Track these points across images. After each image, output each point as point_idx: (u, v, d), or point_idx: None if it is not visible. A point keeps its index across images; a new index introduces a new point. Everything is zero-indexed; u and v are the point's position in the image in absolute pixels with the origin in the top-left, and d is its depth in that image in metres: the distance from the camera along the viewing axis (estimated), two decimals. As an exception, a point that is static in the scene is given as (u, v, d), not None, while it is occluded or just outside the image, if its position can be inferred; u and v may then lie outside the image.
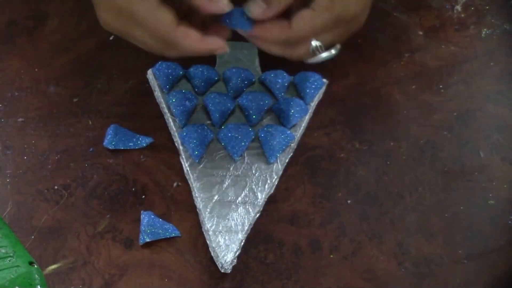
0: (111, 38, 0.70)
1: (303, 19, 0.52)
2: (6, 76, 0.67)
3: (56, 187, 0.58)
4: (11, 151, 0.61)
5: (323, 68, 0.69)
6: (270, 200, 0.58)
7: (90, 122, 0.63)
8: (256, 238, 0.56)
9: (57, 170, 0.60)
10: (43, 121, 0.63)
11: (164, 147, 0.61)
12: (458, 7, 0.75)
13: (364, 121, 0.65)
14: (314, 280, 0.54)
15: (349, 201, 0.59)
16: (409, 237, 0.57)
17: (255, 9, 0.53)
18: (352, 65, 0.70)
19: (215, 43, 0.53)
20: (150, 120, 0.63)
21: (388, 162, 0.62)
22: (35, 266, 0.48)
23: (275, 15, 0.53)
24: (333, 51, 0.54)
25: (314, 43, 0.53)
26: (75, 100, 0.65)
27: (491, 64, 0.70)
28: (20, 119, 0.63)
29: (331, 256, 0.55)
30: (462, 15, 0.75)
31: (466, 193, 0.60)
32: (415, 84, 0.68)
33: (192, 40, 0.52)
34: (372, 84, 0.68)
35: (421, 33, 0.74)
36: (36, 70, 0.68)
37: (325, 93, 0.66)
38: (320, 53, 0.54)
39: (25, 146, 0.61)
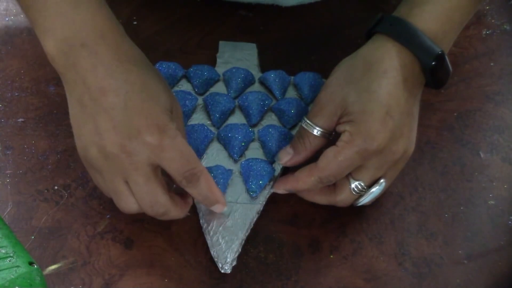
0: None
1: (327, 158, 0.52)
2: (6, 76, 0.67)
3: (56, 187, 0.58)
4: (11, 151, 0.61)
5: (323, 68, 0.69)
6: (270, 200, 0.58)
7: (90, 122, 0.63)
8: (256, 238, 0.56)
9: (57, 170, 0.60)
10: (43, 121, 0.63)
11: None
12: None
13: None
14: (314, 280, 0.54)
15: (349, 201, 0.59)
16: (409, 237, 0.57)
17: (284, 156, 0.55)
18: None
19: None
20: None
21: (388, 162, 0.62)
22: (35, 266, 0.48)
23: (303, 160, 0.55)
24: (376, 188, 0.54)
25: (353, 183, 0.53)
26: (75, 100, 0.65)
27: (491, 64, 0.70)
28: (20, 119, 0.63)
29: (331, 256, 0.55)
30: (462, 15, 0.75)
31: (466, 193, 0.60)
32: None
33: (181, 209, 0.52)
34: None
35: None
36: (36, 70, 0.68)
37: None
38: (364, 192, 0.54)
39: (25, 146, 0.61)
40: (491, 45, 0.72)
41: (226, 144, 0.60)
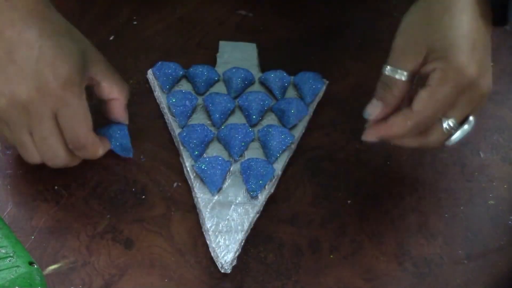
0: (111, 38, 0.70)
1: (422, 99, 0.51)
2: (6, 76, 0.67)
3: (56, 187, 0.58)
4: (11, 151, 0.61)
5: (323, 68, 0.69)
6: (270, 200, 0.58)
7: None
8: (256, 238, 0.56)
9: (57, 170, 0.59)
10: (43, 121, 0.63)
11: (164, 147, 0.61)
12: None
13: (364, 121, 0.65)
14: (314, 280, 0.54)
15: (349, 201, 0.59)
16: (409, 237, 0.57)
17: (374, 110, 0.54)
18: (352, 65, 0.70)
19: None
20: (150, 120, 0.63)
21: (388, 162, 0.62)
22: (35, 266, 0.48)
23: (394, 109, 0.53)
24: (466, 126, 0.53)
25: (445, 122, 0.52)
26: (75, 100, 0.65)
27: (491, 64, 0.70)
28: (20, 119, 0.63)
29: (331, 256, 0.55)
30: (462, 15, 0.75)
31: (466, 193, 0.60)
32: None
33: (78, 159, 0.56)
34: (372, 84, 0.68)
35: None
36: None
37: (325, 93, 0.66)
38: (455, 131, 0.53)
39: (25, 146, 0.61)
40: (491, 45, 0.72)
41: (226, 144, 0.60)
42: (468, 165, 0.62)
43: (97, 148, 0.55)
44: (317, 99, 0.66)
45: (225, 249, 0.53)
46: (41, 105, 0.50)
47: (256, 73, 0.67)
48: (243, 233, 0.55)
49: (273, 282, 0.53)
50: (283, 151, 0.60)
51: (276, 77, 0.65)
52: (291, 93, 0.66)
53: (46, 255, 0.54)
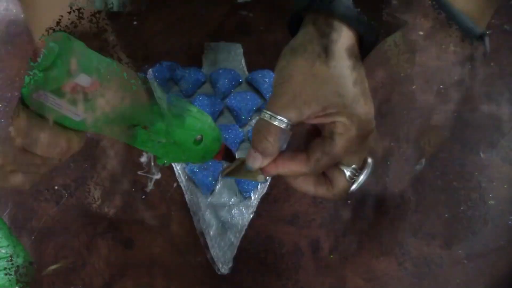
0: (111, 38, 0.70)
1: (320, 151, 0.48)
2: (6, 76, 0.67)
3: (56, 187, 0.58)
4: (11, 151, 0.61)
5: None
6: (270, 201, 0.58)
7: (90, 122, 0.63)
8: (256, 238, 0.56)
9: (57, 170, 0.60)
10: (43, 121, 0.63)
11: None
12: (458, 7, 0.75)
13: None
14: (314, 280, 0.54)
15: (349, 201, 0.59)
16: (409, 237, 0.57)
17: (254, 163, 0.50)
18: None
19: None
20: (150, 120, 0.63)
21: (388, 162, 0.62)
22: (35, 266, 0.48)
23: (273, 157, 0.49)
24: (369, 169, 0.50)
25: (347, 169, 0.50)
26: (75, 100, 0.65)
27: (491, 64, 0.70)
28: (20, 119, 0.63)
29: (331, 256, 0.55)
30: (462, 15, 0.75)
31: (466, 193, 0.60)
32: (415, 84, 0.68)
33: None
34: (372, 84, 0.68)
35: (421, 33, 0.74)
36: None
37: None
38: (357, 176, 0.50)
39: (25, 146, 0.61)
40: (491, 45, 0.72)
41: None
42: (468, 165, 0.62)
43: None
44: None
45: (222, 251, 0.53)
46: None
47: (243, 73, 0.67)
48: (238, 234, 0.55)
49: (273, 282, 0.53)
50: None
51: (263, 76, 0.65)
52: None
53: (46, 255, 0.54)
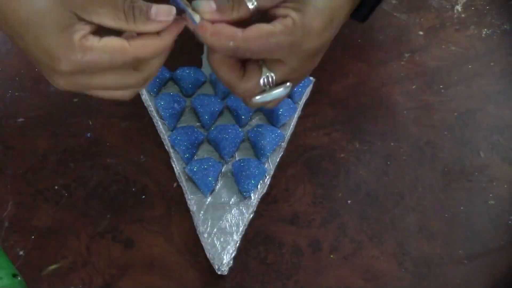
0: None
1: (258, 31, 0.46)
2: (6, 76, 0.67)
3: (56, 187, 0.58)
4: (11, 151, 0.61)
5: (323, 68, 0.69)
6: (270, 200, 0.58)
7: (90, 122, 0.63)
8: (256, 238, 0.56)
9: (57, 170, 0.60)
10: (43, 121, 0.63)
11: (164, 148, 0.61)
12: (459, 7, 0.76)
13: (364, 121, 0.65)
14: (314, 280, 0.54)
15: (349, 201, 0.59)
16: (409, 237, 0.57)
17: (204, 6, 0.48)
18: (352, 65, 0.70)
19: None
20: (150, 120, 0.63)
21: (388, 162, 0.62)
22: (19, 278, 0.48)
23: (219, 21, 0.47)
24: (282, 89, 0.48)
25: (266, 72, 0.48)
26: (75, 100, 0.65)
27: (491, 64, 0.70)
28: (20, 119, 0.63)
29: (331, 256, 0.55)
30: (462, 15, 0.75)
31: (466, 193, 0.60)
32: (415, 84, 0.68)
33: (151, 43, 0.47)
34: (372, 84, 0.68)
35: (421, 33, 0.74)
36: (36, 70, 0.68)
37: (325, 93, 0.67)
38: (269, 89, 0.48)
39: (25, 146, 0.61)
40: (491, 45, 0.72)
41: (216, 145, 0.60)
42: (468, 165, 0.62)
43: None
44: (305, 97, 0.66)
45: (221, 251, 0.53)
46: None
47: None
48: (238, 234, 0.55)
49: (273, 282, 0.53)
50: (274, 150, 0.60)
51: None
52: None
53: (46, 255, 0.54)
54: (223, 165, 0.59)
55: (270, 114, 0.63)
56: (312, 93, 0.67)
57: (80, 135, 0.62)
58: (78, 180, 0.59)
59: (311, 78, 0.67)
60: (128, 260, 0.54)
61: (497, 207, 0.59)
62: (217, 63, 0.49)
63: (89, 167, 0.60)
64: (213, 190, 0.57)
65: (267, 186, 0.59)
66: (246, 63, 0.49)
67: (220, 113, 0.63)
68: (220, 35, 0.47)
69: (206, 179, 0.57)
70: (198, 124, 0.62)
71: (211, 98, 0.63)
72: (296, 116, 0.64)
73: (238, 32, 0.46)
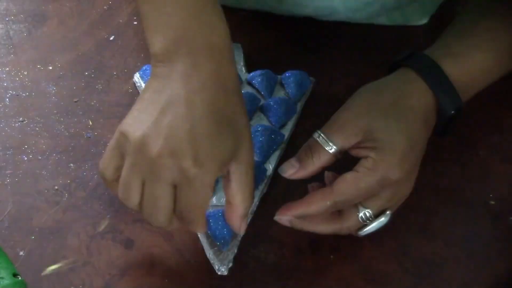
0: (111, 38, 0.70)
1: (346, 182, 0.50)
2: (6, 76, 0.67)
3: (56, 187, 0.58)
4: (11, 151, 0.61)
5: (323, 68, 0.69)
6: (270, 200, 0.58)
7: (90, 122, 0.63)
8: (256, 238, 0.56)
9: (57, 170, 0.60)
10: (43, 121, 0.63)
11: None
12: (459, 7, 0.75)
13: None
14: (314, 280, 0.54)
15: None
16: (409, 237, 0.57)
17: (289, 169, 0.52)
18: (353, 65, 0.70)
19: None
20: (150, 120, 0.63)
21: (388, 162, 0.61)
22: (19, 278, 0.48)
23: (308, 176, 0.52)
24: (383, 219, 0.52)
25: (362, 211, 0.51)
26: (75, 100, 0.65)
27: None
28: (20, 119, 0.63)
29: (331, 256, 0.55)
30: (462, 15, 0.75)
31: (466, 193, 0.60)
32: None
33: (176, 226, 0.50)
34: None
35: (421, 33, 0.74)
36: (36, 70, 0.68)
37: (325, 93, 0.66)
38: (370, 221, 0.52)
39: (25, 146, 0.61)
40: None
41: None
42: (468, 165, 0.62)
43: (202, 226, 0.49)
44: (305, 98, 0.66)
45: (221, 252, 0.53)
46: (167, 168, 0.45)
47: (243, 74, 0.67)
48: (238, 235, 0.54)
49: (273, 282, 0.53)
50: (274, 150, 0.60)
51: (263, 76, 0.65)
52: (278, 92, 0.66)
53: (46, 255, 0.54)
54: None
55: (270, 114, 0.63)
56: (312, 93, 0.67)
57: (80, 135, 0.62)
58: (78, 180, 0.59)
59: (311, 78, 0.67)
60: (128, 260, 0.54)
61: (497, 207, 0.59)
62: (313, 226, 0.53)
63: (89, 167, 0.60)
64: (213, 191, 0.57)
65: (267, 186, 0.59)
66: None
67: None
68: (313, 203, 0.51)
69: None
70: None
71: None
72: (296, 116, 0.64)
73: (328, 191, 0.51)
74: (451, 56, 0.56)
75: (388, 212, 0.52)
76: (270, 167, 0.59)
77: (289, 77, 0.66)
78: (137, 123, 0.47)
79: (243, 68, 0.68)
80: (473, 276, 0.54)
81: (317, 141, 0.51)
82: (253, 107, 0.63)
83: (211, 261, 0.53)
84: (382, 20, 0.73)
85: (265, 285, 0.53)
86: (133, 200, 0.48)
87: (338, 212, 0.53)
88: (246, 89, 0.65)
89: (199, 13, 0.47)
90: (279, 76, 0.67)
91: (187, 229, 0.50)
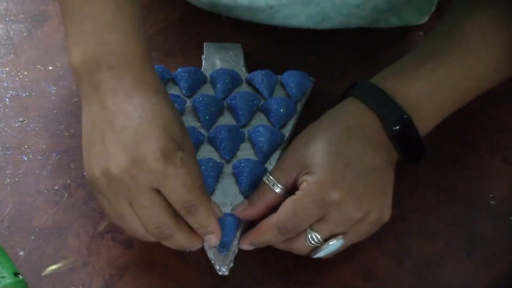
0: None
1: (285, 206, 0.51)
2: (6, 76, 0.67)
3: (56, 187, 0.58)
4: (11, 151, 0.61)
5: (323, 68, 0.69)
6: (270, 200, 0.58)
7: (90, 122, 0.63)
8: (256, 238, 0.56)
9: (57, 170, 0.60)
10: (43, 121, 0.63)
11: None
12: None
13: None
14: (314, 280, 0.54)
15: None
16: (409, 237, 0.57)
17: (238, 207, 0.54)
18: (352, 65, 0.70)
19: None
20: (150, 120, 0.63)
21: (388, 162, 0.61)
22: (20, 277, 0.48)
23: (257, 214, 0.53)
24: (334, 242, 0.51)
25: (310, 233, 0.51)
26: (75, 100, 0.65)
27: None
28: (20, 119, 0.63)
29: (331, 256, 0.55)
30: (462, 15, 0.75)
31: (466, 193, 0.60)
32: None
33: (188, 235, 0.51)
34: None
35: (421, 33, 0.74)
36: (36, 70, 0.68)
37: (325, 93, 0.66)
38: (321, 245, 0.51)
39: (25, 146, 0.61)
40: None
41: (216, 145, 0.60)
42: (468, 165, 0.62)
43: (211, 209, 0.50)
44: (305, 98, 0.66)
45: (221, 252, 0.53)
46: (139, 178, 0.47)
47: (243, 74, 0.67)
48: (239, 234, 0.54)
49: (273, 282, 0.53)
50: (274, 150, 0.60)
51: (263, 76, 0.65)
52: (279, 92, 0.66)
53: (46, 255, 0.54)
54: (223, 166, 0.59)
55: (270, 114, 0.63)
56: (312, 93, 0.67)
57: (80, 135, 0.62)
58: (78, 180, 0.59)
59: (311, 78, 0.67)
60: (128, 260, 0.54)
61: (497, 207, 0.59)
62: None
63: (89, 167, 0.60)
64: (213, 191, 0.57)
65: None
66: None
67: (221, 114, 0.63)
68: (261, 230, 0.52)
69: (207, 180, 0.56)
70: (198, 124, 0.62)
71: (211, 99, 0.63)
72: (296, 116, 0.64)
73: (272, 217, 0.52)
74: (394, 76, 0.56)
75: (340, 237, 0.51)
76: (270, 167, 0.59)
77: (289, 77, 0.66)
78: (88, 165, 0.50)
79: (243, 68, 0.68)
80: (473, 276, 0.54)
81: (265, 183, 0.54)
82: (253, 107, 0.63)
83: (212, 261, 0.53)
84: (380, 25, 0.73)
85: (265, 285, 0.53)
86: (136, 226, 0.50)
87: None
88: (246, 89, 0.65)
89: (117, 28, 0.50)
90: (279, 76, 0.67)
91: (206, 225, 0.50)
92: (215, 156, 0.60)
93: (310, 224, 0.51)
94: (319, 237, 0.51)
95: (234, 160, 0.59)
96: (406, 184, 0.60)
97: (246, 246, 0.54)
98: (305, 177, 0.51)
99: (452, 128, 0.64)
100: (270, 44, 0.72)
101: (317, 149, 0.52)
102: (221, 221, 0.54)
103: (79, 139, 0.61)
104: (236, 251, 0.54)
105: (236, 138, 0.60)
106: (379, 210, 0.52)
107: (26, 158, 0.60)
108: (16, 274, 0.48)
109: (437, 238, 0.57)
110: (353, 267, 0.54)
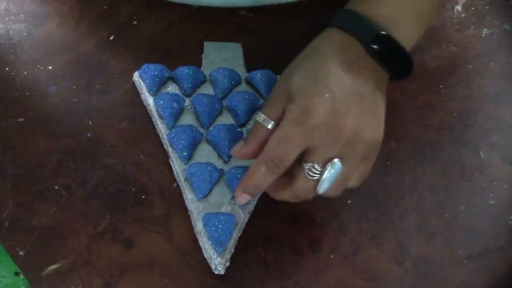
0: (111, 38, 0.70)
1: (271, 139, 0.51)
2: (6, 76, 0.67)
3: (56, 187, 0.58)
4: (11, 151, 0.61)
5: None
6: (270, 200, 0.58)
7: (90, 122, 0.63)
8: (256, 238, 0.56)
9: (57, 170, 0.60)
10: (43, 121, 0.63)
11: (164, 147, 0.61)
12: (458, 7, 0.75)
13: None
14: (314, 280, 0.54)
15: (349, 201, 0.59)
16: (409, 237, 0.57)
17: (235, 147, 0.54)
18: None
19: None
20: (150, 120, 0.63)
21: (388, 162, 0.62)
22: (21, 276, 0.48)
23: (252, 150, 0.53)
24: (329, 167, 0.50)
25: (306, 165, 0.51)
26: (75, 100, 0.65)
27: (491, 64, 0.70)
28: (20, 119, 0.63)
29: (331, 256, 0.55)
30: (462, 15, 0.75)
31: (466, 193, 0.60)
32: (415, 84, 0.68)
33: None
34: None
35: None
36: (36, 70, 0.68)
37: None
38: (320, 176, 0.51)
39: (25, 146, 0.61)
40: (491, 45, 0.72)
41: (215, 145, 0.60)
42: (468, 165, 0.62)
43: None
44: None
45: (218, 251, 0.53)
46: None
47: (242, 73, 0.67)
48: (235, 233, 0.54)
49: (273, 282, 0.53)
50: None
51: (262, 76, 0.65)
52: None
53: (46, 255, 0.54)
54: (224, 173, 0.58)
55: None
56: (312, 93, 0.67)
57: (80, 135, 0.62)
58: (78, 180, 0.59)
59: None
60: (128, 260, 0.54)
61: (497, 207, 0.59)
62: (273, 193, 0.55)
63: (89, 167, 0.60)
64: (207, 194, 0.57)
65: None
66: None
67: (219, 113, 0.63)
68: (251, 172, 0.52)
69: (202, 184, 0.56)
70: (197, 123, 0.62)
71: (210, 98, 0.63)
72: None
73: (260, 154, 0.52)
74: None
75: (335, 160, 0.50)
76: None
77: None
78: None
79: (243, 67, 0.68)
80: (473, 276, 0.54)
81: (257, 121, 0.53)
82: (252, 107, 0.63)
83: (208, 261, 0.53)
84: None
85: (265, 285, 0.53)
86: (290, 155, 0.50)
87: (289, 178, 0.52)
88: (246, 88, 0.65)
89: None
90: (279, 76, 0.66)
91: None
92: (213, 155, 0.60)
93: (298, 154, 0.50)
94: (315, 166, 0.50)
95: (233, 160, 0.59)
96: (406, 184, 0.60)
97: (241, 197, 0.53)
98: (287, 106, 0.51)
99: (452, 128, 0.65)
100: (270, 44, 0.72)
101: (296, 77, 0.52)
102: (217, 221, 0.54)
103: (79, 139, 0.62)
104: (233, 250, 0.54)
105: (234, 138, 0.60)
106: (369, 128, 0.51)
107: (26, 158, 0.60)
108: (17, 274, 0.48)
109: (437, 238, 0.57)
110: (353, 267, 0.54)
